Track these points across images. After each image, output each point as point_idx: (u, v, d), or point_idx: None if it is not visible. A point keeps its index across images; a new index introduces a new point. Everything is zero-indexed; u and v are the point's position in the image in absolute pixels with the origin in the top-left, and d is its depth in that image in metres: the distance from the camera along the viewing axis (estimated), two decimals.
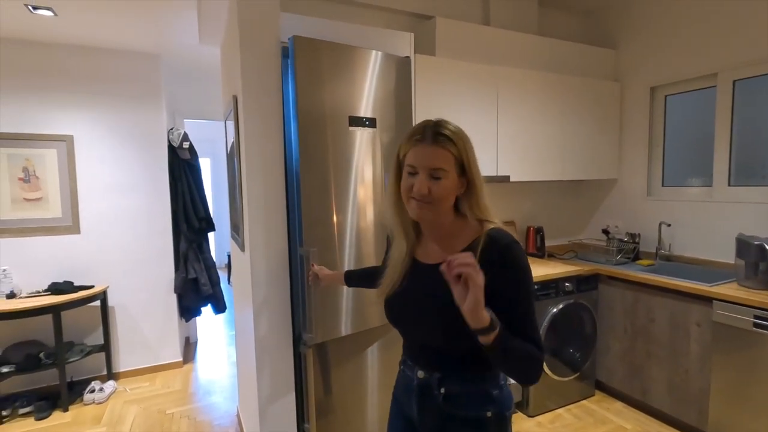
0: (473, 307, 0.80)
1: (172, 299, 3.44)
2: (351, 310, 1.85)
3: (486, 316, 0.81)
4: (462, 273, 0.79)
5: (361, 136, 1.81)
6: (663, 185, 2.96)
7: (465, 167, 0.95)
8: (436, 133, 0.94)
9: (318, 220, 1.72)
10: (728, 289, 2.16)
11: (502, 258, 0.91)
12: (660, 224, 2.85)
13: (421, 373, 1.05)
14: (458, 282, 0.81)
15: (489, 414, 1.00)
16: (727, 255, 2.51)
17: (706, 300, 2.19)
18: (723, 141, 2.57)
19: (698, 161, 2.78)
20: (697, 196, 2.74)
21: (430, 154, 0.93)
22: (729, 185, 2.56)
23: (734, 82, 2.51)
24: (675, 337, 2.35)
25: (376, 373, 1.99)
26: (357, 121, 1.79)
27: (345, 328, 1.83)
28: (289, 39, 1.63)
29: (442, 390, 1.02)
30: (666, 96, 2.91)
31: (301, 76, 1.64)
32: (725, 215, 2.56)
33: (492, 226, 0.96)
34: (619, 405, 2.69)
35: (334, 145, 1.74)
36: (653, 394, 2.48)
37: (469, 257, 0.80)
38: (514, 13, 2.86)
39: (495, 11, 2.80)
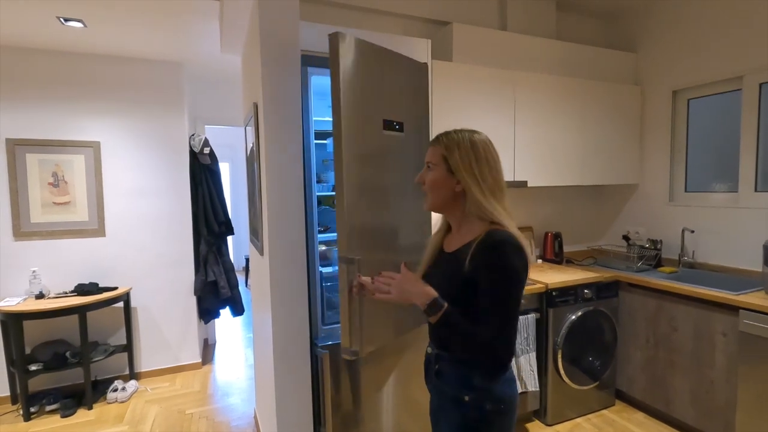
0: (396, 300, 1.11)
1: (192, 301, 3.51)
2: (392, 317, 1.72)
3: (424, 299, 1.06)
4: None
5: (394, 141, 1.75)
6: (686, 191, 2.89)
7: (452, 168, 1.10)
8: (437, 135, 1.16)
9: (360, 227, 1.58)
10: (755, 298, 2.09)
11: (486, 256, 1.04)
12: (683, 230, 2.78)
13: (429, 349, 1.25)
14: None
15: (466, 398, 1.11)
16: (754, 262, 2.43)
17: (732, 309, 2.12)
18: (749, 145, 2.50)
19: (723, 166, 2.71)
20: (722, 201, 2.67)
21: (428, 150, 1.16)
22: (755, 191, 2.49)
23: (761, 85, 2.44)
24: (699, 347, 2.29)
25: (393, 377, 2.00)
26: (390, 125, 1.73)
27: (387, 337, 1.72)
28: (329, 35, 1.51)
29: (437, 366, 1.19)
30: (689, 100, 2.85)
31: (343, 72, 1.51)
32: (752, 222, 2.49)
33: (495, 227, 1.07)
34: (640, 416, 2.62)
35: (373, 149, 1.65)
36: (676, 405, 2.41)
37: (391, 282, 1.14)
38: (531, 17, 2.84)
39: (512, 16, 2.79)
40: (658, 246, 2.89)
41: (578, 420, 2.60)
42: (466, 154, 1.09)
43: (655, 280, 2.50)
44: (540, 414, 2.56)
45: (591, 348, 2.61)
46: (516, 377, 1.20)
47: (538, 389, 2.45)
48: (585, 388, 2.59)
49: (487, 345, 1.02)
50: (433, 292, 1.07)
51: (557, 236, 3.03)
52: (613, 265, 2.89)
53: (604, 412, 2.68)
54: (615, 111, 2.93)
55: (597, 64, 2.94)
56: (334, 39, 1.49)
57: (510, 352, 1.07)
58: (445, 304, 1.05)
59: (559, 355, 2.48)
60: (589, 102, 2.82)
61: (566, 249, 3.13)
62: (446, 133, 1.14)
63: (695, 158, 2.86)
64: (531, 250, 1.01)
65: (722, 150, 2.71)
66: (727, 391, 2.17)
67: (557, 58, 2.80)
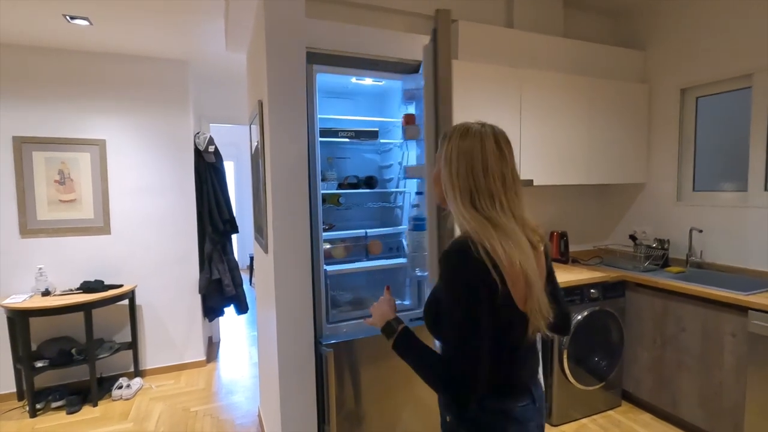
0: (375, 324, 1.10)
1: (197, 299, 3.52)
2: None
3: (379, 323, 1.05)
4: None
5: None
6: (694, 190, 2.85)
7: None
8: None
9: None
10: (765, 299, 2.06)
11: (439, 270, 0.93)
12: (691, 230, 2.75)
13: None
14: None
15: (448, 419, 1.01)
16: (764, 263, 2.41)
17: (741, 309, 2.09)
18: (759, 144, 2.46)
19: (732, 165, 2.67)
20: (731, 201, 2.64)
21: None
22: (765, 189, 2.46)
23: None
24: (707, 348, 2.26)
25: (398, 376, 1.99)
26: None
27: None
28: (436, 10, 1.51)
29: None
30: (697, 98, 2.81)
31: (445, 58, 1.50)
32: (761, 221, 2.45)
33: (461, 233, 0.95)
34: (647, 416, 2.60)
35: None
36: (684, 406, 2.39)
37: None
38: (538, 15, 2.82)
39: (519, 13, 2.77)
40: (666, 246, 2.86)
41: (584, 421, 2.58)
42: (451, 146, 0.96)
43: (663, 280, 2.48)
44: (546, 415, 2.54)
45: (597, 348, 2.59)
46: (522, 413, 0.98)
47: (543, 389, 2.43)
48: (591, 388, 2.57)
49: (437, 374, 0.89)
50: (389, 315, 1.02)
51: (563, 235, 3.01)
52: (619, 265, 2.86)
53: (610, 412, 2.66)
54: (622, 109, 2.90)
55: (604, 61, 2.91)
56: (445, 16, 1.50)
57: (465, 384, 0.86)
58: (400, 327, 0.99)
59: (565, 356, 2.46)
60: (596, 100, 2.79)
61: (572, 248, 3.11)
62: (454, 125, 1.01)
63: (703, 157, 2.82)
64: (501, 256, 0.87)
65: (731, 148, 2.68)
66: (735, 393, 2.14)
67: (564, 56, 2.77)
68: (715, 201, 2.72)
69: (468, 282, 0.87)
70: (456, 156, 0.94)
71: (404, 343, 0.99)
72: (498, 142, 0.95)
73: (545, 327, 0.93)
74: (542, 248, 1.00)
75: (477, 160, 0.92)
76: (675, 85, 2.87)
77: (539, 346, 1.08)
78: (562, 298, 1.08)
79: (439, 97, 1.51)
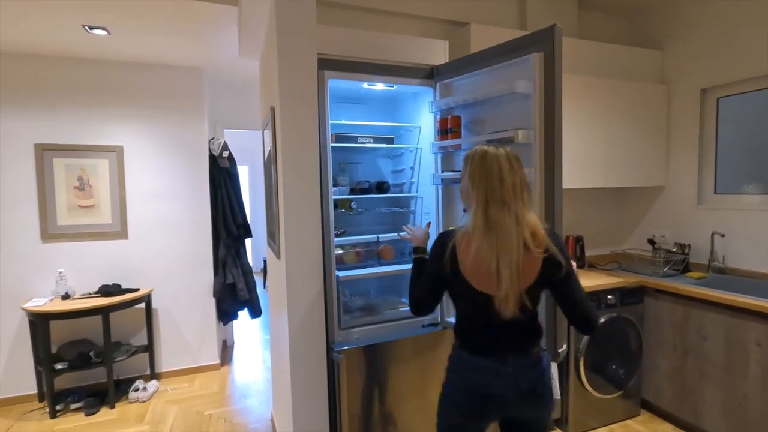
0: (409, 239, 1.63)
1: (211, 303, 3.56)
2: None
3: (415, 243, 1.55)
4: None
5: None
6: (715, 193, 2.77)
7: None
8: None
9: None
10: None
11: None
12: (712, 234, 2.67)
13: None
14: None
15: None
16: None
17: (767, 317, 2.02)
18: None
19: (755, 167, 2.59)
20: (755, 204, 2.55)
21: None
22: None
23: None
24: (731, 357, 2.18)
25: (410, 382, 1.97)
26: None
27: None
28: (555, 26, 1.58)
29: None
30: (718, 98, 2.73)
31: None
32: None
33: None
34: (667, 427, 2.52)
35: None
36: (706, 417, 2.31)
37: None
38: (552, 16, 2.78)
39: (532, 15, 2.74)
40: (686, 250, 2.78)
41: (601, 430, 2.52)
42: (474, 168, 1.24)
43: (683, 285, 2.41)
44: (561, 422, 2.49)
45: (615, 356, 2.52)
46: (471, 355, 1.30)
47: (559, 397, 2.38)
48: (608, 397, 2.51)
49: (412, 291, 1.42)
50: (423, 242, 1.54)
51: (579, 240, 2.95)
52: (638, 270, 2.79)
53: (629, 422, 2.59)
54: (640, 111, 2.84)
55: (621, 62, 2.85)
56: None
57: (413, 304, 1.38)
58: (421, 255, 1.49)
59: (581, 363, 2.41)
60: (613, 102, 2.74)
61: (588, 253, 3.04)
62: (472, 148, 1.29)
63: (725, 159, 2.74)
64: (464, 249, 1.23)
65: (755, 150, 2.59)
66: (762, 404, 2.06)
67: (579, 57, 2.72)
68: (738, 204, 2.63)
69: (435, 251, 1.31)
70: (478, 174, 1.23)
71: (418, 265, 1.47)
72: (509, 160, 1.22)
73: (509, 314, 1.20)
74: (540, 252, 1.20)
75: (494, 176, 1.20)
76: (695, 86, 2.79)
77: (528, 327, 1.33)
78: (581, 302, 1.30)
79: (555, 113, 1.54)
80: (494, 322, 1.24)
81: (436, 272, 1.30)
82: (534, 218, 1.22)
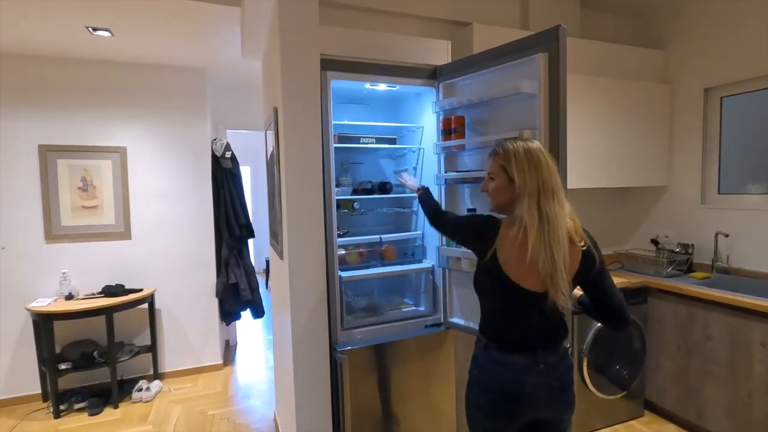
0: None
1: (214, 303, 3.56)
2: None
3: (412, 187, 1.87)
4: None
5: None
6: (719, 192, 2.76)
7: (511, 176, 1.21)
8: (494, 148, 1.28)
9: None
10: None
11: None
12: (716, 234, 2.66)
13: None
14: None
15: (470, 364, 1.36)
16: None
17: None
18: None
19: (760, 166, 2.58)
20: (759, 204, 2.54)
21: (489, 163, 1.29)
22: None
23: None
24: (735, 357, 2.18)
25: (413, 383, 1.97)
26: None
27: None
28: (559, 26, 1.58)
29: None
30: (722, 98, 2.72)
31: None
32: None
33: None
34: (671, 427, 2.51)
35: None
36: (710, 417, 2.30)
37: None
38: (554, 16, 2.78)
39: (534, 15, 2.73)
40: (690, 250, 2.77)
41: (605, 430, 2.51)
42: (522, 163, 1.19)
43: (687, 286, 2.40)
44: None
45: (618, 356, 2.51)
46: (502, 354, 1.25)
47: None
48: (612, 397, 2.50)
49: (432, 215, 1.65)
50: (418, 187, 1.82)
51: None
52: (641, 270, 2.78)
53: (633, 422, 2.58)
54: (643, 110, 2.83)
55: (623, 62, 2.85)
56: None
57: (437, 225, 1.63)
58: (423, 190, 1.76)
59: (585, 363, 2.40)
60: (616, 102, 2.73)
61: None
62: (502, 145, 1.24)
63: (729, 158, 2.73)
64: (510, 242, 1.19)
65: (758, 149, 2.58)
66: (766, 404, 2.05)
67: (582, 57, 2.72)
68: (742, 204, 2.62)
69: (485, 228, 1.26)
70: (527, 166, 1.18)
71: (425, 195, 1.74)
72: (546, 151, 1.23)
73: (567, 305, 1.19)
74: (581, 245, 1.21)
75: (543, 167, 1.18)
76: (698, 85, 2.79)
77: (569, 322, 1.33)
78: (616, 296, 1.26)
79: (560, 113, 1.56)
80: (524, 319, 1.22)
81: (475, 236, 1.30)
82: (571, 210, 1.22)
